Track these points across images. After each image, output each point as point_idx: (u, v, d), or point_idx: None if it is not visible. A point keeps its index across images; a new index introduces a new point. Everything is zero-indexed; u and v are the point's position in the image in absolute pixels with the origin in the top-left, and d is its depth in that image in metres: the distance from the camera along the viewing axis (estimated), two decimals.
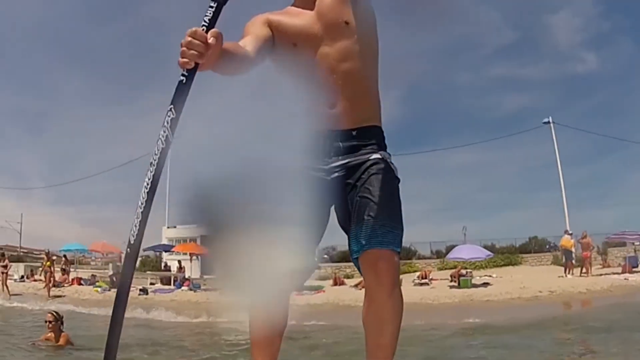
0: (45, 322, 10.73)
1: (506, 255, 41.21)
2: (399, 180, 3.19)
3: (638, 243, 37.30)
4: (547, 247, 43.53)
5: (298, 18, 3.15)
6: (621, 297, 20.65)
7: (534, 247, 45.11)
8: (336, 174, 3.06)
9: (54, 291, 29.47)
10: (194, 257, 38.68)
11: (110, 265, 40.56)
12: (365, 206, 2.97)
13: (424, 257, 45.77)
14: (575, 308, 19.89)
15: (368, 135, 3.20)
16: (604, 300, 20.53)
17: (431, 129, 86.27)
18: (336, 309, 21.44)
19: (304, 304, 23.33)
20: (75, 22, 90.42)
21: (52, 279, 29.89)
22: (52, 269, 29.90)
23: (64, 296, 28.05)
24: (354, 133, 3.12)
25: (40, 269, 30.93)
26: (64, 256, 37.86)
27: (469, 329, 14.50)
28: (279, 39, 3.10)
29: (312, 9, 3.15)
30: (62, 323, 10.80)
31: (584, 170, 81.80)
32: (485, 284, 27.74)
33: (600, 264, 33.39)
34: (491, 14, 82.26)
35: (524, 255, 42.77)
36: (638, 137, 67.97)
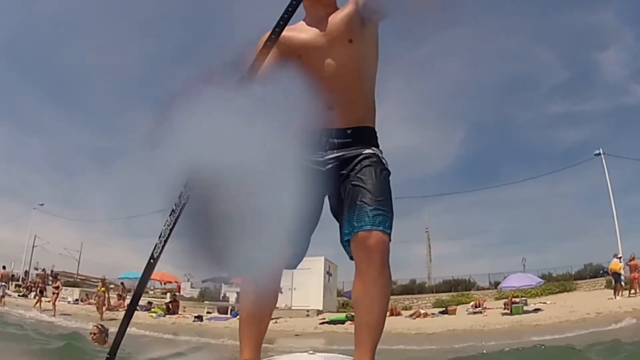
0: (90, 333, 11.50)
1: (561, 282, 40.81)
2: (389, 172, 3.35)
3: None
4: (601, 272, 43.30)
5: (305, 33, 3.37)
6: None
7: (589, 273, 44.60)
8: (330, 165, 3.23)
9: (107, 314, 29.88)
10: None
11: (168, 295, 41.11)
12: (358, 193, 3.14)
13: (483, 289, 45.86)
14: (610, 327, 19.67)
15: (362, 134, 3.38)
16: None
17: (493, 166, 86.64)
18: (386, 336, 21.12)
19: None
20: (148, 65, 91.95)
21: (106, 302, 30.46)
22: (106, 294, 30.45)
23: (116, 319, 28.42)
24: (348, 132, 3.31)
25: (95, 293, 31.52)
26: (122, 283, 38.89)
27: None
28: (284, 52, 3.27)
29: (320, 26, 3.37)
30: (107, 335, 11.53)
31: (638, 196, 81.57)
32: (537, 310, 27.83)
33: None
34: (546, 54, 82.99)
35: (578, 281, 42.22)
36: None
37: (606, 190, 45.38)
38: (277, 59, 3.22)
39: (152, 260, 2.92)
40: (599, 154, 45.94)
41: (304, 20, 3.49)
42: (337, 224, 3.27)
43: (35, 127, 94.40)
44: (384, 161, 3.35)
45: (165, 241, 2.88)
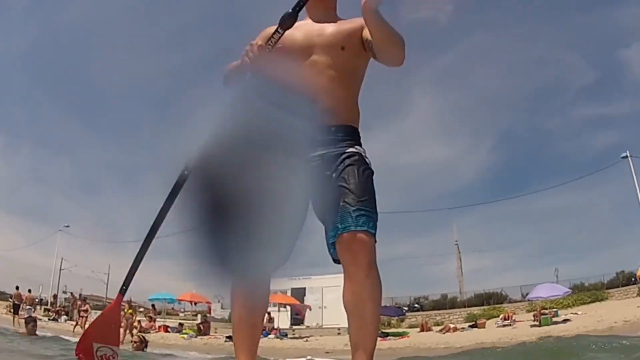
0: (131, 342, 14.83)
1: (592, 292, 40.37)
2: (373, 172, 3.38)
3: None
4: (633, 280, 43.04)
5: (300, 31, 3.44)
6: None
7: (622, 281, 44.33)
8: (314, 164, 3.20)
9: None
10: (282, 308, 39.17)
11: (199, 316, 41.34)
12: (341, 194, 3.15)
13: (515, 301, 45.57)
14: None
15: (345, 132, 3.44)
16: None
17: (524, 176, 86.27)
18: (415, 351, 21.70)
19: (385, 347, 23.79)
20: (170, 79, 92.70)
21: (136, 325, 30.59)
22: (134, 316, 30.54)
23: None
24: (332, 129, 3.35)
25: (122, 316, 31.75)
26: (152, 305, 39.27)
27: None
28: (279, 48, 3.26)
29: (318, 27, 3.54)
30: (146, 346, 13.60)
31: None
32: (565, 321, 27.79)
33: None
34: (570, 57, 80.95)
35: (610, 290, 41.92)
36: None
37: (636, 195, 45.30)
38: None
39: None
40: (626, 156, 45.72)
41: (306, 18, 3.62)
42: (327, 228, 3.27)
43: (60, 144, 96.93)
44: (367, 160, 3.39)
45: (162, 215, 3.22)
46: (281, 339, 31.60)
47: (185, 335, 32.60)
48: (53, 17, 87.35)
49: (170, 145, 2.92)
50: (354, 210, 3.09)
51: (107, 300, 58.08)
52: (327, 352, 24.29)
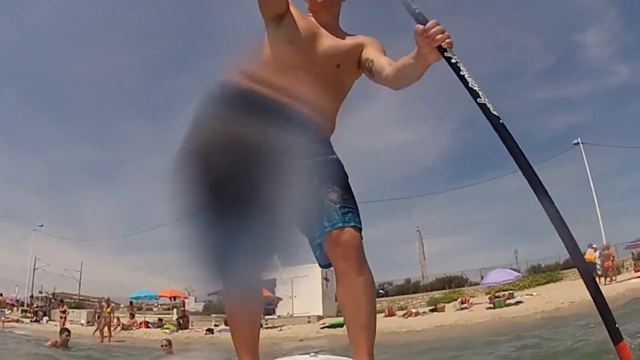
0: (161, 346, 17.04)
1: (547, 273, 41.51)
2: (348, 176, 3.38)
3: None
4: None
5: (306, 30, 3.38)
6: (627, 298, 21.98)
7: None
8: (301, 171, 2.95)
9: (122, 334, 31.95)
10: None
11: (175, 310, 42.38)
12: (325, 195, 3.12)
13: (475, 284, 45.94)
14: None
15: (326, 143, 3.45)
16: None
17: (485, 158, 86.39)
18: (380, 335, 22.46)
19: None
20: (144, 74, 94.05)
21: (114, 323, 31.34)
22: (112, 315, 30.66)
23: (124, 341, 29.35)
24: (316, 140, 3.23)
25: (100, 315, 31.73)
26: (130, 302, 40.30)
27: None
28: (284, 28, 3.33)
29: (320, 34, 3.42)
30: (171, 345, 16.87)
31: (621, 181, 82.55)
32: (518, 303, 29.28)
33: (634, 269, 34.27)
34: (528, 41, 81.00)
35: (566, 271, 41.53)
36: None
37: (590, 176, 46.67)
38: (278, 15, 3.33)
39: None
40: (578, 143, 47.19)
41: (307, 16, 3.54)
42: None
43: (30, 143, 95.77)
44: (343, 166, 3.41)
45: None
46: None
47: (167, 330, 33.10)
48: (22, 14, 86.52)
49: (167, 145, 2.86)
50: (339, 207, 3.10)
51: (79, 298, 58.91)
52: (301, 340, 25.85)
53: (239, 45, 3.26)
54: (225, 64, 3.05)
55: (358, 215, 3.19)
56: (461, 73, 2.88)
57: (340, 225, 3.05)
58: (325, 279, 38.40)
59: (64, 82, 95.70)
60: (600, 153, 71.69)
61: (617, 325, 2.69)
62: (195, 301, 47.19)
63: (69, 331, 18.17)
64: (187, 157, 2.81)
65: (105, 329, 28.80)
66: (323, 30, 3.45)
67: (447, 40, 2.84)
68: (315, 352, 3.85)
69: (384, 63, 3.34)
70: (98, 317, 31.13)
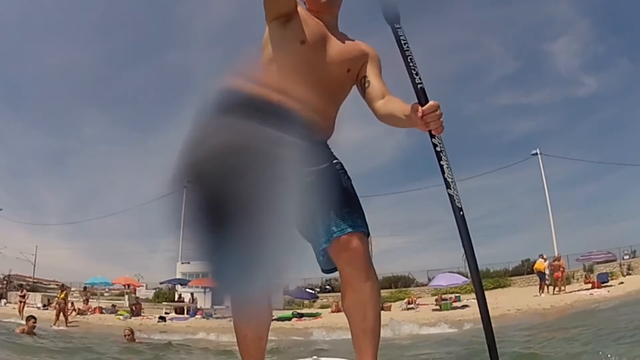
0: (124, 335, 17.29)
1: (495, 279, 42.12)
2: (351, 179, 3.34)
3: (627, 257, 40.79)
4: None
5: (316, 32, 3.30)
6: (576, 309, 22.85)
7: (526, 269, 44.98)
8: (306, 177, 2.73)
9: (77, 318, 31.68)
10: (207, 290, 40.12)
11: (127, 296, 42.34)
12: (332, 201, 3.06)
13: (422, 285, 46.37)
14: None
15: (328, 147, 3.41)
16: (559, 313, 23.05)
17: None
18: (329, 331, 22.74)
19: (302, 327, 26.30)
20: (101, 67, 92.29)
21: (69, 308, 31.11)
22: (66, 300, 30.23)
23: (77, 325, 29.27)
24: (320, 144, 3.27)
25: (55, 300, 31.78)
26: (84, 287, 40.32)
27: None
28: (292, 28, 3.26)
29: (327, 36, 3.34)
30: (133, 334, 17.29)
31: (578, 192, 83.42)
32: (464, 306, 29.79)
33: (584, 281, 34.57)
34: (496, 45, 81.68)
35: (514, 277, 43.67)
36: (628, 158, 70.46)
37: (547, 187, 48.31)
38: (284, 15, 3.27)
39: None
40: (536, 153, 48.77)
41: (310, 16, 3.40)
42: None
43: None
44: (347, 170, 3.37)
45: None
46: (207, 318, 32.99)
47: (121, 317, 33.36)
48: None
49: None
50: (347, 213, 3.09)
51: (33, 280, 57.86)
52: None
53: (238, 51, 3.03)
54: (224, 70, 2.78)
55: (365, 221, 3.17)
56: (441, 162, 3.07)
57: (349, 230, 3.04)
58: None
59: (21, 70, 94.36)
60: (558, 162, 74.31)
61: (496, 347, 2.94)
62: (146, 288, 47.56)
63: (35, 318, 18.30)
64: (190, 170, 2.61)
65: (61, 314, 28.66)
66: (330, 33, 3.38)
67: (438, 128, 2.98)
68: (318, 356, 3.95)
69: (378, 92, 3.37)
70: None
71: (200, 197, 2.56)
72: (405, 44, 3.08)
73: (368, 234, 3.12)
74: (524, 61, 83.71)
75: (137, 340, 17.30)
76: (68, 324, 28.49)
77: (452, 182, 3.07)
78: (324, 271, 3.24)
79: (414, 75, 3.03)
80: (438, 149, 3.07)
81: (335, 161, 3.32)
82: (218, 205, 2.52)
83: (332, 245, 3.04)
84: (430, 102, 2.94)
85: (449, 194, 3.08)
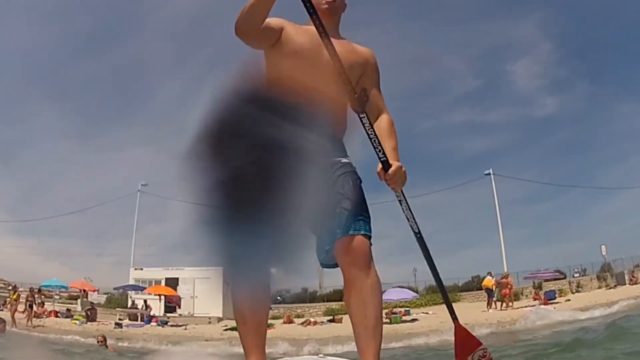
0: (97, 341, 17.09)
1: None
2: (361, 181, 3.36)
3: (577, 275, 42.70)
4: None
5: (309, 38, 3.30)
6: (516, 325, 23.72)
7: (476, 285, 46.35)
8: (315, 171, 2.88)
9: (35, 321, 30.88)
10: (161, 297, 40.72)
11: (79, 301, 42.25)
12: (338, 201, 3.10)
13: None
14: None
15: (339, 143, 3.42)
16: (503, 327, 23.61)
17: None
18: (283, 342, 21.24)
19: None
20: (54, 56, 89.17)
21: (16, 310, 30.12)
22: (17, 302, 30.19)
23: (38, 326, 29.66)
24: (331, 139, 3.23)
25: (7, 301, 31.89)
26: (39, 290, 38.70)
27: None
28: (283, 45, 3.32)
29: (331, 32, 3.15)
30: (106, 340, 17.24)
31: (530, 211, 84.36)
32: (414, 320, 30.66)
33: (533, 298, 35.53)
34: (456, 63, 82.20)
35: (464, 293, 44.63)
36: (582, 180, 74.27)
37: (499, 205, 49.33)
38: (272, 40, 3.33)
39: None
40: (489, 173, 49.77)
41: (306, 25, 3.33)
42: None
43: None
44: (357, 170, 3.39)
45: None
46: (162, 326, 33.20)
47: (77, 322, 33.19)
48: None
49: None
50: (352, 215, 3.10)
51: None
52: (207, 340, 26.32)
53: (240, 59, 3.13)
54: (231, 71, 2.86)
55: (369, 223, 3.19)
56: (404, 212, 3.40)
57: (351, 232, 3.06)
58: (227, 282, 38.38)
59: None
60: (511, 182, 73.76)
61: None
62: (98, 293, 46.74)
63: (4, 321, 18.27)
64: (206, 148, 2.72)
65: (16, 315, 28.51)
66: (328, 40, 3.11)
67: (396, 187, 3.32)
68: (324, 354, 3.95)
69: (375, 110, 3.52)
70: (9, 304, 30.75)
71: (222, 176, 2.68)
72: (369, 129, 3.20)
73: (370, 236, 3.16)
74: (484, 80, 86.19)
75: (110, 348, 17.05)
76: (33, 326, 28.67)
77: (417, 231, 3.47)
78: (323, 266, 3.26)
79: (378, 152, 3.25)
80: (399, 198, 3.40)
81: (345, 160, 3.34)
82: (239, 186, 2.65)
83: (335, 246, 3.09)
84: (390, 170, 3.26)
85: (415, 233, 3.48)
